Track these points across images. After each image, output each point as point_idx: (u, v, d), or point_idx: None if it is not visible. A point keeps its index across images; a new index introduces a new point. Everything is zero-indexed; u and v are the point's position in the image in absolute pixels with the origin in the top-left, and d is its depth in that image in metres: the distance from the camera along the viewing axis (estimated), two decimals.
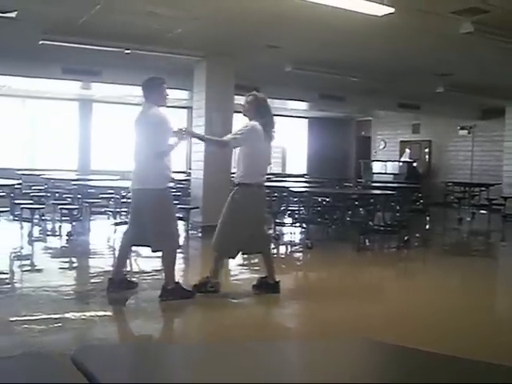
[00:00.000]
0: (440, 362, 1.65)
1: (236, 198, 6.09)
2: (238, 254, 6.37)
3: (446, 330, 5.24)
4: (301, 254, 9.84)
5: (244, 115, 6.23)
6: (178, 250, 6.18)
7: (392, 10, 7.38)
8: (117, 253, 6.34)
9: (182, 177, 14.02)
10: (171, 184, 6.05)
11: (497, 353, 4.40)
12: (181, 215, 10.40)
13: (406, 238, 10.56)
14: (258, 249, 6.40)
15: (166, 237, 5.80)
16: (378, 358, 1.74)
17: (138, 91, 14.47)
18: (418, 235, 12.45)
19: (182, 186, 12.92)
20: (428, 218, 14.67)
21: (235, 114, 11.87)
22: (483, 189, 16.62)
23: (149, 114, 5.78)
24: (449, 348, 4.46)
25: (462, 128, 19.87)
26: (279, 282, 6.34)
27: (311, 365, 1.61)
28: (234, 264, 7.59)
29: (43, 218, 11.16)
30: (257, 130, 6.03)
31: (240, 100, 13.09)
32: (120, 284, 5.98)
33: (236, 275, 7.59)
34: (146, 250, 6.54)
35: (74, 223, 10.27)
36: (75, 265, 8.19)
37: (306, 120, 22.63)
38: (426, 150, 21.13)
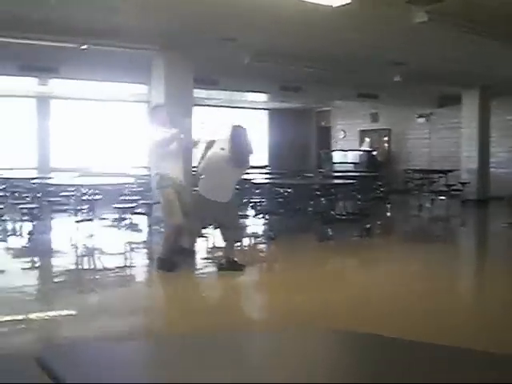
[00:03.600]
0: (407, 348, 1.69)
1: None
2: None
3: (409, 316, 5.33)
4: (264, 245, 9.89)
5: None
6: None
7: (348, 0, 7.43)
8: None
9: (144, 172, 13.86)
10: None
11: (463, 336, 4.51)
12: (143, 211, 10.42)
13: (367, 226, 10.67)
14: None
15: None
16: (346, 349, 1.76)
17: (95, 86, 14.43)
18: (379, 223, 12.57)
19: (143, 181, 12.78)
20: (389, 206, 14.82)
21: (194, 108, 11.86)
22: (442, 175, 16.85)
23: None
24: (415, 334, 4.53)
25: (420, 116, 20.12)
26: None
27: (275, 357, 1.63)
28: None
29: (3, 218, 11.00)
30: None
31: (199, 93, 13.15)
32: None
33: None
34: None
35: (34, 222, 10.14)
36: (37, 264, 8.11)
37: (267, 112, 22.65)
38: (385, 139, 21.35)
